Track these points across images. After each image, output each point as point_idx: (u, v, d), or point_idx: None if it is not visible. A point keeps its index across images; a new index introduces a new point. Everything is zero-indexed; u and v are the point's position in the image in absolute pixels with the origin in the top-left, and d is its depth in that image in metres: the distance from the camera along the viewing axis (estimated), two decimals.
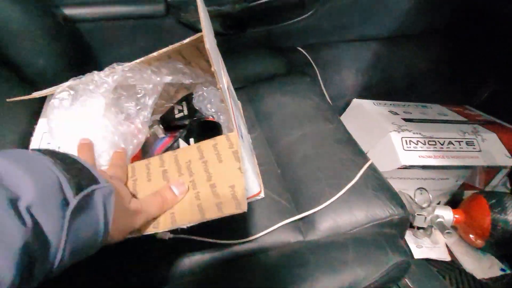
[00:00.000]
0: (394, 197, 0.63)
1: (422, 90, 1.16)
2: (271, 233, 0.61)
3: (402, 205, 0.62)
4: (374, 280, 0.52)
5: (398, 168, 0.86)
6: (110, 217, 0.31)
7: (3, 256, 0.21)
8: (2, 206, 0.22)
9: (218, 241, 0.60)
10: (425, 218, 0.81)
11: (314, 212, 0.62)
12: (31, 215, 0.23)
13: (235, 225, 0.61)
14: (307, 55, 1.05)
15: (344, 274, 0.51)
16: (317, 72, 1.06)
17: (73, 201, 0.27)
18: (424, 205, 0.83)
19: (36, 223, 0.24)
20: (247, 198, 0.64)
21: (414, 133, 0.85)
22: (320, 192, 0.64)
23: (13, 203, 0.23)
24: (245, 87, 0.91)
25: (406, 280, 0.74)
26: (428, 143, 0.83)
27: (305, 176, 0.68)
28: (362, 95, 1.10)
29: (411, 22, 1.01)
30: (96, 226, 0.29)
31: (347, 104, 1.11)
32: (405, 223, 0.62)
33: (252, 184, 0.62)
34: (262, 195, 0.65)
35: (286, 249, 0.58)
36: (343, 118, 1.08)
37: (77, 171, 0.30)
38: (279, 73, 0.96)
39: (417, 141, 0.83)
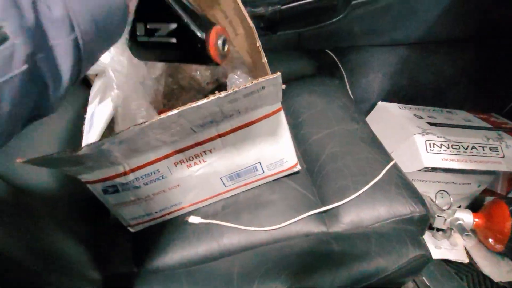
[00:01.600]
0: (416, 195, 0.66)
1: (449, 96, 1.17)
2: (296, 223, 0.65)
3: (423, 203, 0.65)
4: (394, 270, 0.56)
5: (421, 171, 0.89)
6: None
7: None
8: None
9: (246, 228, 0.65)
10: (445, 220, 0.84)
11: (338, 206, 0.66)
12: None
13: (262, 214, 0.66)
14: (335, 58, 1.09)
15: (367, 263, 0.55)
16: (344, 74, 1.10)
17: None
18: (445, 208, 0.86)
19: None
20: (286, 170, 0.69)
21: (438, 137, 0.87)
22: (345, 187, 0.68)
23: None
24: None
25: (424, 278, 0.77)
26: (451, 147, 0.85)
27: (331, 172, 0.72)
28: (387, 99, 1.13)
29: (442, 29, 1.03)
30: None
31: (371, 107, 1.14)
32: (425, 221, 0.65)
33: (291, 155, 0.67)
34: (298, 167, 0.70)
35: (311, 238, 0.62)
36: (368, 120, 1.11)
37: None
38: (308, 74, 1.00)
39: (441, 144, 0.86)
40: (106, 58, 0.52)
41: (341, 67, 1.08)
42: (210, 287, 0.56)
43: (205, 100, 0.45)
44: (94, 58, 0.29)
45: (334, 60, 1.08)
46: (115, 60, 0.53)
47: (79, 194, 0.60)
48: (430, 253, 0.61)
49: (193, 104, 0.45)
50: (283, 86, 0.52)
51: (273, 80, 0.47)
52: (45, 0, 0.24)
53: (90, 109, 0.71)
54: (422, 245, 0.60)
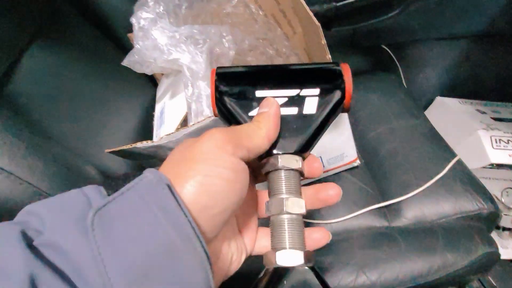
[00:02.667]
0: (484, 191, 0.65)
1: None
2: (356, 217, 0.66)
3: (491, 200, 0.63)
4: (462, 267, 0.55)
5: (484, 168, 0.86)
6: (175, 211, 0.21)
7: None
8: (10, 242, 0.19)
9: (307, 220, 0.66)
10: None
11: (400, 201, 0.66)
12: (47, 246, 0.19)
13: (324, 207, 0.68)
14: (391, 53, 1.07)
15: (434, 257, 0.55)
16: (400, 70, 1.08)
17: (92, 211, 0.20)
18: (511, 205, 0.82)
19: (52, 251, 0.19)
20: (345, 164, 0.71)
21: (504, 132, 0.83)
22: (407, 182, 0.68)
23: (29, 238, 0.20)
24: None
25: (490, 277, 0.74)
26: None
27: (391, 167, 0.72)
28: (446, 94, 1.09)
29: (507, 21, 0.98)
30: (154, 230, 0.20)
31: (429, 103, 1.11)
32: (494, 218, 0.63)
33: (351, 150, 0.68)
34: (358, 161, 0.71)
35: (374, 231, 0.63)
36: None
37: (120, 182, 0.23)
38: (364, 70, 1.00)
39: (508, 140, 0.82)
40: (186, 58, 0.56)
41: (397, 62, 1.06)
42: None
43: None
44: None
45: (390, 55, 1.06)
46: (193, 60, 0.56)
47: None
48: (498, 252, 0.59)
49: None
50: None
51: None
52: None
53: (159, 107, 0.76)
54: (492, 242, 0.58)
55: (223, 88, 0.31)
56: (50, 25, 0.60)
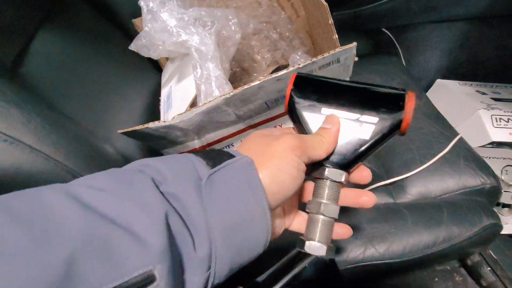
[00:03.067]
0: (486, 167, 0.66)
1: None
2: None
3: (494, 175, 0.65)
4: (467, 238, 0.57)
5: (484, 147, 0.88)
6: (259, 189, 0.28)
7: (149, 217, 0.22)
8: (146, 184, 0.25)
9: None
10: None
11: (405, 178, 0.68)
12: (169, 194, 0.25)
13: None
14: (391, 36, 1.08)
15: (439, 229, 0.57)
16: (401, 53, 1.09)
17: (205, 175, 0.27)
18: (511, 182, 0.84)
19: (174, 199, 0.25)
20: None
21: (505, 111, 0.85)
22: (411, 160, 0.69)
23: (156, 185, 0.25)
24: None
25: (490, 251, 0.77)
26: None
27: (396, 146, 0.73)
28: (446, 77, 1.10)
29: (506, 3, 0.99)
30: (244, 200, 0.27)
31: (429, 85, 1.13)
32: (496, 192, 0.65)
33: None
34: None
35: (381, 207, 0.64)
36: None
37: (215, 155, 0.29)
38: (366, 53, 1.01)
39: (508, 119, 0.84)
40: (195, 40, 0.57)
41: (397, 45, 1.07)
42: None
43: (284, 71, 0.48)
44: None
45: (391, 39, 1.07)
46: (202, 42, 0.57)
47: None
48: (501, 224, 0.61)
49: (274, 75, 0.48)
50: (356, 58, 0.54)
51: (349, 49, 0.49)
52: (195, 240, 0.25)
53: (165, 91, 0.77)
54: (495, 215, 0.60)
55: (297, 93, 0.36)
56: (57, 11, 0.60)
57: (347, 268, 0.56)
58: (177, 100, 0.69)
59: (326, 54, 0.48)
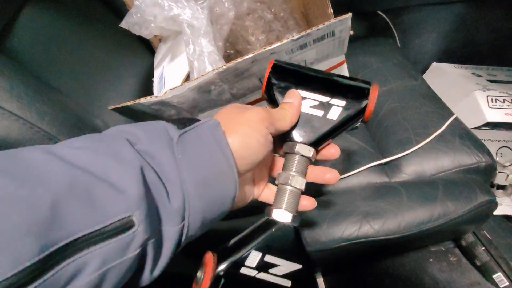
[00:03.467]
0: (481, 145, 0.66)
1: (509, 55, 1.12)
2: (356, 175, 0.67)
3: (489, 153, 0.65)
4: (462, 214, 0.57)
5: (480, 129, 0.88)
6: (225, 146, 0.30)
7: (125, 169, 0.24)
8: (121, 143, 0.26)
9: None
10: (507, 176, 0.82)
11: (400, 157, 0.68)
12: (144, 152, 0.27)
13: (325, 166, 0.69)
14: (387, 19, 1.07)
15: (435, 206, 0.56)
16: (396, 36, 1.08)
17: (176, 135, 0.29)
18: (506, 164, 0.84)
19: (148, 156, 0.27)
20: None
21: (500, 92, 0.85)
22: (406, 140, 0.69)
23: (131, 144, 0.27)
24: None
25: (485, 231, 0.77)
26: None
27: (390, 126, 0.73)
28: (442, 60, 1.10)
29: None
30: (212, 156, 0.29)
31: (425, 69, 1.12)
32: (491, 170, 0.65)
33: None
34: (358, 123, 0.72)
35: (376, 186, 0.64)
36: None
37: (185, 120, 0.32)
38: (361, 35, 1.00)
39: (504, 99, 0.83)
40: (186, 14, 0.56)
41: (393, 28, 1.06)
42: None
43: (278, 43, 0.47)
44: (188, 241, 0.30)
45: (386, 21, 1.06)
46: (194, 16, 0.56)
47: None
48: (496, 201, 0.61)
49: (267, 48, 0.46)
50: (351, 32, 0.53)
51: (344, 21, 0.48)
52: (169, 192, 0.27)
53: (158, 72, 0.76)
54: (490, 193, 0.60)
55: (274, 80, 0.40)
56: None
57: (342, 245, 0.55)
58: (170, 79, 0.68)
59: (320, 26, 0.47)
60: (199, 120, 0.32)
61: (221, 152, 0.30)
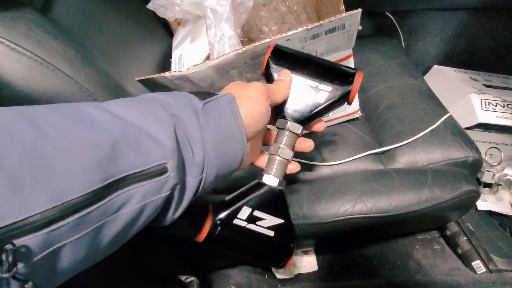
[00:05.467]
0: (470, 142, 0.72)
1: (507, 63, 1.18)
2: (355, 161, 0.73)
3: (477, 149, 0.71)
4: (447, 200, 0.63)
5: (472, 130, 0.93)
6: (238, 117, 0.36)
7: (162, 126, 0.29)
8: (157, 105, 0.32)
9: (310, 162, 0.73)
10: (494, 174, 0.88)
11: (396, 148, 0.73)
12: (174, 115, 0.32)
13: (325, 152, 0.75)
14: (394, 20, 1.12)
15: (423, 191, 0.62)
16: (402, 37, 1.13)
17: (200, 105, 0.35)
18: (494, 164, 0.90)
19: (178, 119, 0.32)
20: (348, 115, 0.77)
21: (494, 96, 0.90)
22: (403, 132, 0.75)
23: (164, 107, 0.32)
24: None
25: (468, 224, 0.83)
26: (507, 106, 0.89)
27: (389, 119, 0.79)
28: (443, 63, 1.15)
29: None
30: (227, 124, 0.35)
31: (427, 70, 1.18)
32: (478, 165, 0.71)
33: (355, 102, 0.74)
34: (359, 113, 0.78)
35: (372, 171, 0.70)
36: None
37: (204, 93, 0.37)
38: (368, 34, 1.05)
39: (496, 103, 0.89)
40: (212, 0, 0.61)
41: (399, 30, 1.11)
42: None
43: (293, 31, 0.52)
44: (203, 191, 0.36)
45: (393, 23, 1.11)
46: (219, 3, 0.61)
47: None
48: (475, 208, 0.67)
49: (284, 34, 0.51)
50: (360, 27, 0.58)
51: (354, 15, 0.54)
52: (193, 148, 0.32)
53: (176, 53, 0.81)
54: (474, 184, 0.66)
55: (273, 60, 0.46)
56: None
57: (337, 219, 0.61)
58: (189, 60, 0.73)
59: (332, 18, 0.52)
60: (215, 94, 0.38)
61: (235, 121, 0.36)
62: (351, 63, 0.69)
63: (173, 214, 0.33)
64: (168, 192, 0.29)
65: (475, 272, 0.78)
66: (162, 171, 0.28)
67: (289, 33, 0.52)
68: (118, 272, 0.58)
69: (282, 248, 0.43)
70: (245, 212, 0.42)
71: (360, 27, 0.59)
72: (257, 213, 0.42)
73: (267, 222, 0.42)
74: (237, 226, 0.41)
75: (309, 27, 0.52)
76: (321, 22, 0.52)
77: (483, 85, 0.99)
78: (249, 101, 0.39)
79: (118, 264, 0.59)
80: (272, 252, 0.43)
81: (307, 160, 0.73)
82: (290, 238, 0.43)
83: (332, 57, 0.66)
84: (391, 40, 1.01)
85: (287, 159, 0.44)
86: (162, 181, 0.28)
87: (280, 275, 0.82)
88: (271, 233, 0.42)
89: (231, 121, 0.36)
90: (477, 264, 0.78)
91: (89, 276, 0.52)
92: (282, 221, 0.42)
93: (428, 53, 1.18)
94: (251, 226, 0.42)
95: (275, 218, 0.42)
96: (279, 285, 0.81)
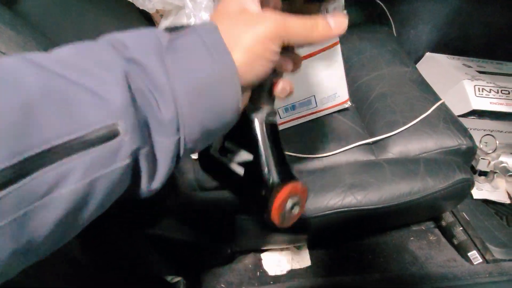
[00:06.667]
0: (463, 130, 0.70)
1: (500, 49, 1.15)
2: (345, 152, 0.71)
3: (470, 137, 0.69)
4: (440, 189, 0.60)
5: (466, 117, 0.91)
6: (223, 53, 0.26)
7: (108, 75, 0.22)
8: (104, 47, 0.24)
9: (299, 155, 0.71)
10: (489, 162, 0.86)
11: (387, 138, 0.71)
12: (129, 59, 0.24)
13: (314, 144, 0.72)
14: (384, 8, 1.09)
15: (415, 181, 0.60)
16: (393, 25, 1.11)
17: (166, 40, 0.26)
18: (489, 151, 0.88)
19: (135, 64, 0.24)
20: (337, 105, 0.75)
21: (487, 83, 0.88)
22: (394, 122, 0.72)
23: (115, 48, 0.24)
24: None
25: (464, 213, 0.81)
26: (501, 91, 0.86)
27: (380, 108, 0.76)
28: (436, 50, 1.13)
29: None
30: (208, 64, 0.26)
31: (419, 58, 1.15)
32: (471, 153, 0.69)
33: (343, 91, 0.72)
34: (349, 103, 0.75)
35: (363, 162, 0.68)
36: None
37: (179, 28, 0.28)
38: (358, 22, 1.02)
39: (490, 89, 0.87)
40: None
41: (390, 18, 1.09)
42: None
43: None
44: (192, 153, 0.29)
45: (384, 10, 1.08)
46: None
47: None
48: (470, 197, 0.65)
49: None
50: (344, 11, 0.56)
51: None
52: (159, 102, 0.24)
53: None
54: (468, 172, 0.64)
55: None
56: None
57: (326, 213, 0.59)
58: None
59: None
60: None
61: (220, 58, 0.26)
62: (338, 51, 0.67)
63: (148, 184, 0.26)
64: (128, 161, 0.23)
65: (471, 263, 0.76)
66: (110, 135, 0.22)
67: None
68: (100, 273, 0.56)
69: (254, 194, 0.34)
70: (217, 142, 0.36)
71: (345, 11, 0.56)
72: (228, 145, 0.36)
73: (237, 157, 0.35)
74: (212, 156, 0.36)
75: None
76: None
77: (477, 71, 0.96)
78: (249, 45, 0.27)
79: (100, 265, 0.57)
80: (247, 196, 0.36)
81: (295, 153, 0.71)
82: (260, 183, 0.33)
83: (320, 45, 0.64)
84: (382, 28, 0.98)
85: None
86: (112, 148, 0.22)
87: (272, 271, 0.80)
88: (241, 171, 0.35)
89: (215, 60, 0.26)
90: (473, 254, 0.76)
91: (67, 277, 0.50)
92: (252, 158, 0.34)
93: (420, 40, 1.15)
94: (224, 160, 0.36)
95: (245, 152, 0.34)
96: (271, 282, 0.79)
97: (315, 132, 0.75)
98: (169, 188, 0.65)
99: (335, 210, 0.59)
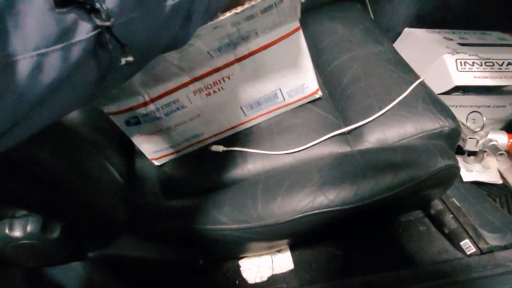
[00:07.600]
0: (445, 110, 0.63)
1: (482, 19, 1.08)
2: (318, 145, 0.64)
3: (453, 117, 0.62)
4: (421, 180, 0.54)
5: (450, 94, 0.85)
6: None
7: None
8: None
9: (269, 152, 0.64)
10: (477, 141, 0.80)
11: (363, 125, 0.65)
12: None
13: (285, 138, 0.66)
14: None
15: (393, 173, 0.54)
16: (367, 1, 1.03)
17: None
18: (477, 129, 0.82)
19: None
20: (307, 96, 0.68)
21: (470, 55, 0.81)
22: (369, 107, 0.66)
23: None
24: None
25: (454, 199, 0.75)
26: (485, 64, 0.80)
27: (354, 93, 0.70)
28: (415, 25, 1.06)
29: None
30: None
31: (397, 36, 1.08)
32: (455, 135, 0.62)
33: (312, 80, 0.65)
34: (320, 93, 0.69)
35: (335, 155, 0.61)
36: None
37: None
38: (327, 1, 0.95)
39: (473, 62, 0.80)
40: None
41: None
42: (235, 205, 0.57)
43: (220, 18, 0.44)
44: None
45: None
46: None
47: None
48: (460, 180, 0.59)
49: (209, 23, 0.44)
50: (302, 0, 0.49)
51: None
52: None
53: None
54: (452, 157, 0.57)
55: None
56: None
57: (297, 217, 0.53)
58: None
59: None
60: None
61: None
62: (300, 37, 0.59)
63: (196, 20, 0.30)
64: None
65: (464, 253, 0.70)
66: None
67: (216, 20, 0.44)
68: None
69: None
70: None
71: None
72: None
73: None
74: None
75: (238, 10, 0.45)
76: (253, 3, 0.45)
77: (458, 43, 0.90)
78: None
79: None
80: None
81: (264, 151, 0.64)
82: None
83: (278, 33, 0.57)
84: (352, 5, 0.91)
85: None
86: None
87: (251, 279, 0.74)
88: None
89: None
90: (466, 243, 0.70)
91: None
92: None
93: (397, 16, 1.07)
94: None
95: None
96: None
97: (285, 126, 0.68)
98: (122, 202, 0.58)
99: (305, 214, 0.52)
